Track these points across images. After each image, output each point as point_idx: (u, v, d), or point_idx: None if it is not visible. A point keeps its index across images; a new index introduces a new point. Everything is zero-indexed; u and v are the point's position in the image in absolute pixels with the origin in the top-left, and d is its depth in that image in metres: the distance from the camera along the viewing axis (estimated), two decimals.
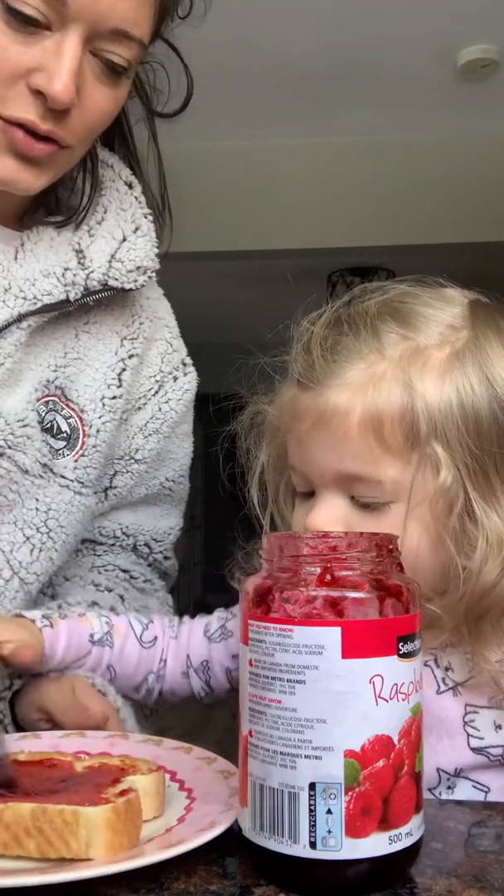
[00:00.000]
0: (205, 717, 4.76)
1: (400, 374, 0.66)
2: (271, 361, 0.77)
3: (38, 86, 0.70)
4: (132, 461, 0.90)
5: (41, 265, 0.80)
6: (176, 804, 0.55)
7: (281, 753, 0.47)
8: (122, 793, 0.50)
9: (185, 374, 0.95)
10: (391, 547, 0.51)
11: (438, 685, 0.69)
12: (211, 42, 3.03)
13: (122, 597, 0.89)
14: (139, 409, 0.90)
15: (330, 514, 0.68)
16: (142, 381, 0.90)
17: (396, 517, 0.66)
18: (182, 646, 0.82)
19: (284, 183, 3.86)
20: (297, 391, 0.71)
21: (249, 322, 7.77)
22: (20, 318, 0.77)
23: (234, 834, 0.50)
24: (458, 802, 0.63)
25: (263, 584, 0.50)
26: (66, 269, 0.80)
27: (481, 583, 0.64)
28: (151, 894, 0.46)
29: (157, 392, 0.91)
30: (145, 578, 0.94)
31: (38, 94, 0.71)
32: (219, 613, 0.84)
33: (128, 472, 0.90)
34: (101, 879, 0.45)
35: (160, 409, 0.91)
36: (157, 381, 0.91)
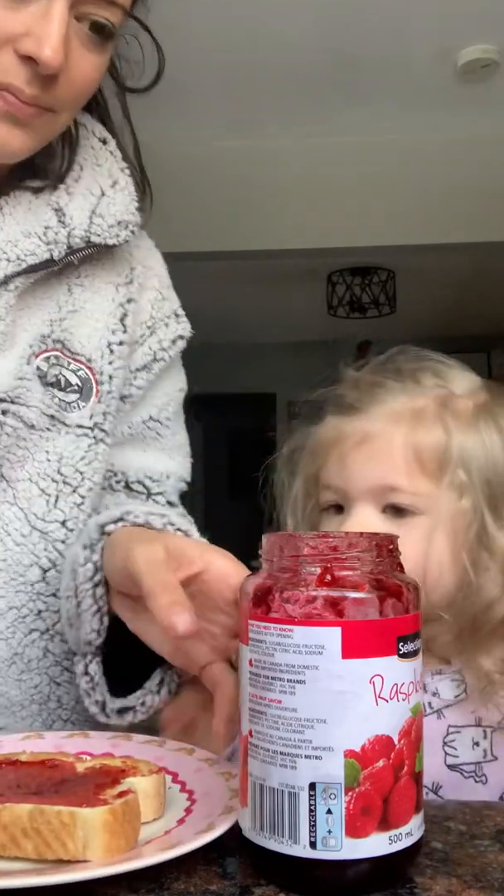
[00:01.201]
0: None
1: (438, 412, 0.80)
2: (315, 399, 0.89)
3: (26, 51, 0.70)
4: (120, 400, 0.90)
5: (21, 227, 0.80)
6: (176, 806, 0.55)
7: (281, 753, 0.47)
8: (121, 794, 0.49)
9: (179, 323, 0.94)
10: (391, 547, 0.51)
11: (424, 709, 0.73)
12: (211, 42, 3.04)
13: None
14: (133, 352, 0.90)
15: (363, 524, 0.77)
16: (136, 326, 0.90)
17: (423, 529, 0.77)
18: None
19: (284, 183, 3.86)
20: (343, 417, 0.83)
21: (249, 322, 7.80)
22: (6, 279, 0.78)
23: (234, 834, 0.50)
24: (459, 802, 0.64)
25: (263, 583, 0.50)
26: (46, 228, 0.80)
27: (487, 596, 0.75)
28: (151, 894, 0.47)
29: (149, 336, 0.91)
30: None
31: (27, 59, 0.70)
32: None
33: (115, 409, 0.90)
34: (100, 880, 0.45)
35: (150, 349, 0.91)
36: (149, 327, 0.91)
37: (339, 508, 0.82)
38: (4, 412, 0.77)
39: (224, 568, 0.62)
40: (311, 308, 5.90)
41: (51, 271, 0.81)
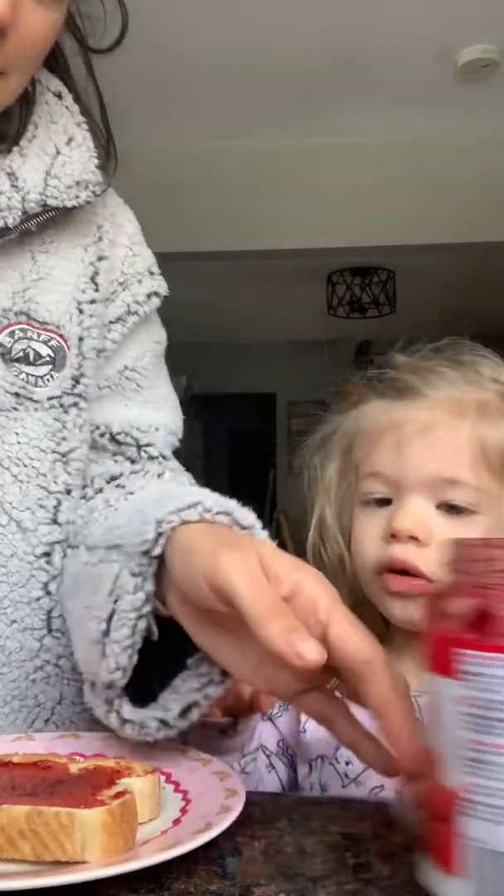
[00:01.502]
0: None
1: (501, 407, 0.77)
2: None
3: None
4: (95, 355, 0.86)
5: None
6: (171, 806, 0.55)
7: None
8: (118, 795, 0.49)
9: (154, 280, 0.90)
10: None
11: None
12: (211, 42, 3.04)
13: (107, 500, 0.82)
14: (105, 308, 0.86)
15: (418, 517, 0.74)
16: (108, 284, 0.86)
17: (481, 529, 0.73)
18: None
19: (284, 183, 3.86)
20: (396, 402, 0.79)
21: (249, 322, 7.80)
22: None
23: (232, 834, 0.50)
24: None
25: (476, 603, 0.41)
26: None
27: None
28: (151, 894, 0.46)
29: (122, 292, 0.87)
30: (132, 471, 0.85)
31: None
32: None
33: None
34: (99, 881, 0.45)
35: (123, 302, 0.87)
36: (121, 283, 0.87)
37: (381, 501, 0.77)
38: None
39: (314, 595, 0.53)
40: (311, 308, 5.91)
41: (10, 240, 0.77)
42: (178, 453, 0.91)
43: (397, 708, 0.48)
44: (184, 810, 0.54)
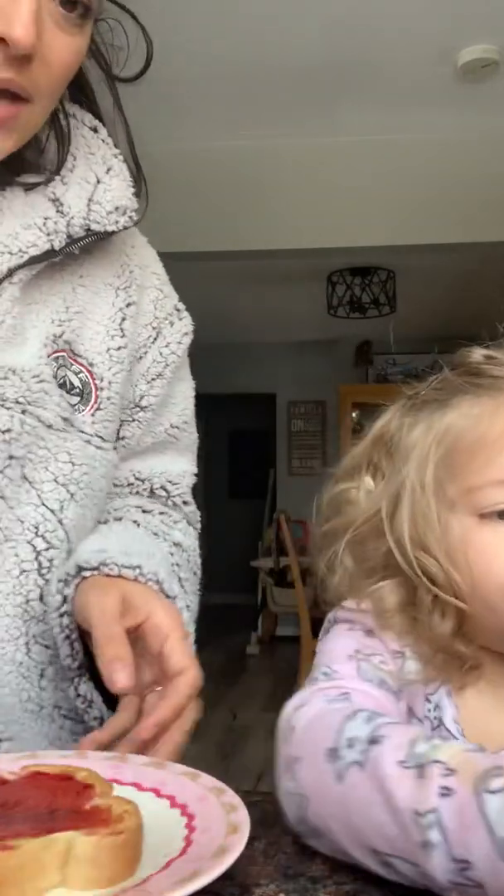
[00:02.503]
0: (204, 717, 4.74)
1: None
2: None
3: None
4: (138, 409, 0.91)
5: (20, 220, 0.79)
6: (175, 840, 0.48)
7: None
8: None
9: (181, 319, 0.95)
10: None
11: None
12: (212, 42, 3.04)
13: (136, 522, 0.88)
14: (140, 357, 0.90)
15: None
16: (140, 329, 0.90)
17: None
18: None
19: (285, 183, 3.86)
20: None
21: (249, 322, 7.78)
22: (10, 272, 0.77)
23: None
24: None
25: None
26: (46, 219, 0.79)
27: None
28: None
29: (155, 339, 0.91)
30: (160, 511, 0.93)
31: None
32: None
33: (134, 420, 0.91)
34: None
35: (161, 354, 0.91)
36: (154, 328, 0.91)
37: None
38: (24, 412, 0.76)
39: (159, 622, 0.69)
40: (311, 308, 5.91)
41: (53, 265, 0.80)
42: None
43: (164, 705, 0.64)
44: (183, 851, 0.47)
